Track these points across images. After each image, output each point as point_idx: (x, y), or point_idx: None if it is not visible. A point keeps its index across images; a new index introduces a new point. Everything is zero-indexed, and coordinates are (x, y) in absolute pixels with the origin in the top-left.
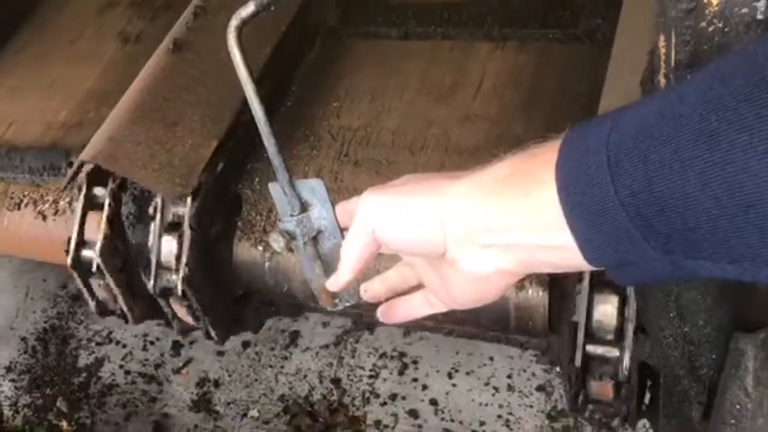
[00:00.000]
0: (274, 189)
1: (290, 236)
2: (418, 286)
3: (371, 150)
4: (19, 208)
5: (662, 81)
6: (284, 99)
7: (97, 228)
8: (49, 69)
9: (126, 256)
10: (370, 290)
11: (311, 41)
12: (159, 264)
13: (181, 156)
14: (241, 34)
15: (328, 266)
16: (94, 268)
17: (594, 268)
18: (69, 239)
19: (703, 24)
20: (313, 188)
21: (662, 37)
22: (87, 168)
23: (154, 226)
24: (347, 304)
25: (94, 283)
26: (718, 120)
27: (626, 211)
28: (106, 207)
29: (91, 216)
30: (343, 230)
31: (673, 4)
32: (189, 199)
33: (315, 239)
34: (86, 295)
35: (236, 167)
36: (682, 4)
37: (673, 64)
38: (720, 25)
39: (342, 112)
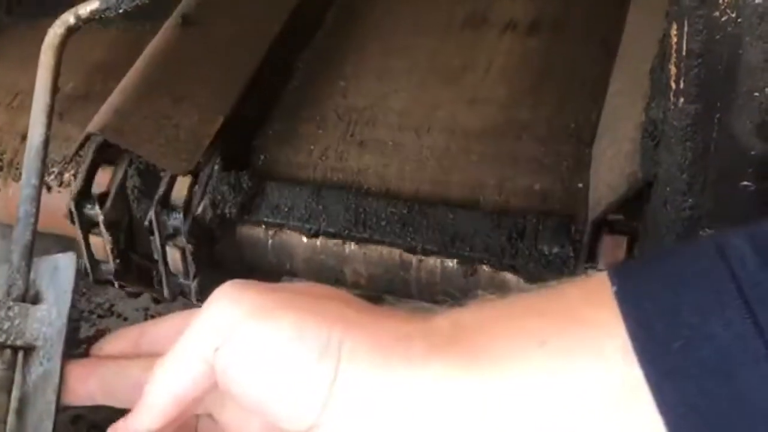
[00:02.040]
0: (1, 269)
1: None
2: None
3: (377, 131)
4: None
5: (673, 70)
6: (291, 77)
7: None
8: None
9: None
10: None
11: (321, 17)
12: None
13: (187, 131)
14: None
15: (22, 410)
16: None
17: None
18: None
19: (716, 14)
20: (56, 270)
21: (674, 26)
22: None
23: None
24: None
25: (93, 239)
26: None
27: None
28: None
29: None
30: (65, 354)
31: None
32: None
33: (17, 355)
34: (83, 248)
35: (242, 144)
36: None
37: (684, 53)
38: (733, 15)
39: (348, 92)
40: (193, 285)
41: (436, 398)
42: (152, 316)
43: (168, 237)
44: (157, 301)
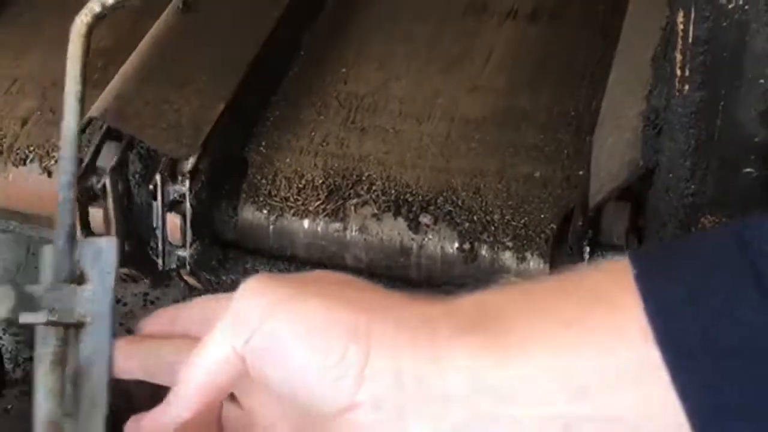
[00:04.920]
0: (47, 251)
1: (31, 304)
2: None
3: (378, 117)
4: (24, 164)
5: (678, 57)
6: (292, 63)
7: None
8: (54, 27)
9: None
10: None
11: (322, 3)
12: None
13: (188, 116)
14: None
15: (75, 383)
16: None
17: None
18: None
19: (723, 0)
20: (99, 252)
21: (681, 13)
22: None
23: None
24: None
25: (93, 210)
26: None
27: None
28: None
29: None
30: (113, 330)
31: None
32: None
33: (68, 331)
34: (79, 225)
35: (243, 130)
36: None
37: (690, 40)
38: (740, 2)
39: (350, 79)
40: (188, 254)
41: (463, 379)
42: (151, 302)
43: (171, 204)
44: (155, 284)
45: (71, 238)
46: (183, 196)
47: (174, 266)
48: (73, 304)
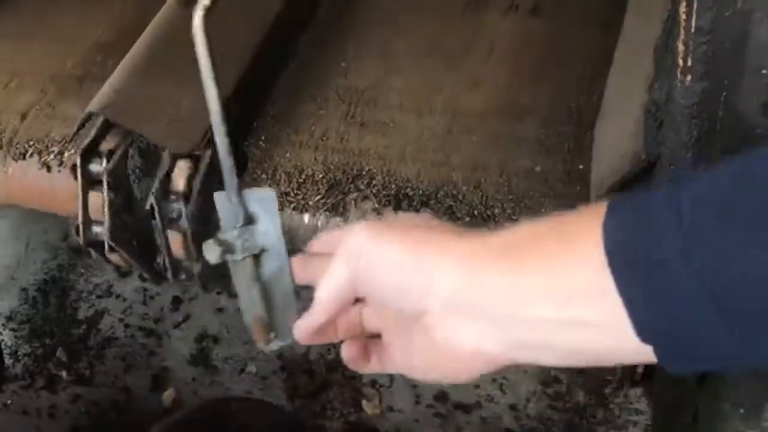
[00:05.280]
0: (219, 198)
1: (228, 248)
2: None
3: (378, 112)
4: (24, 158)
5: (680, 47)
6: (291, 58)
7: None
8: (54, 20)
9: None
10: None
11: None
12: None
13: (188, 111)
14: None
15: (268, 292)
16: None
17: (624, 357)
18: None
19: None
20: (263, 199)
21: (683, 3)
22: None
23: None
24: (282, 344)
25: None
26: None
27: (700, 287)
28: None
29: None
30: (289, 256)
31: None
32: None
33: (256, 258)
34: (80, 203)
35: (243, 124)
36: None
37: (693, 30)
38: None
39: (349, 72)
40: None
41: (497, 291)
42: (151, 297)
43: (170, 222)
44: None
45: (240, 193)
46: (180, 214)
47: (183, 277)
48: (254, 239)
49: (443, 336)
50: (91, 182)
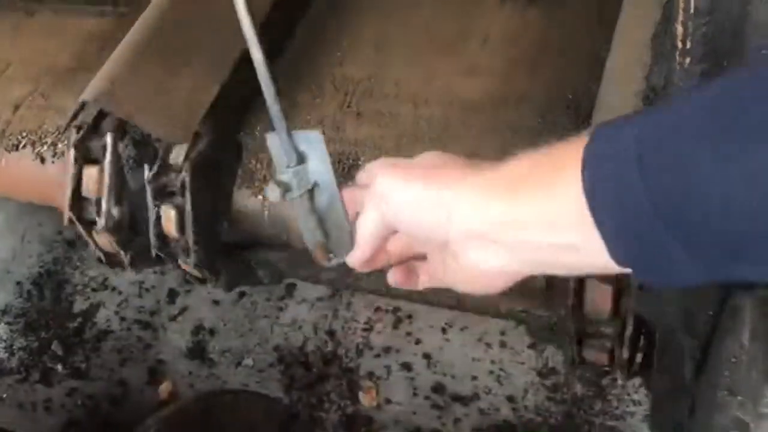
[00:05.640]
0: (272, 139)
1: (286, 188)
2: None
3: (374, 102)
4: (17, 150)
5: (679, 29)
6: (287, 47)
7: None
8: (47, 11)
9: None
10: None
11: None
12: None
13: (182, 100)
14: None
15: (324, 220)
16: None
17: (613, 272)
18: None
19: None
20: (310, 139)
21: None
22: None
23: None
24: (340, 261)
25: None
26: (762, 113)
27: (657, 211)
28: None
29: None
30: (341, 188)
31: None
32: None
33: (311, 192)
34: (71, 181)
35: (238, 114)
36: None
37: (692, 11)
38: None
39: (345, 62)
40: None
41: (498, 220)
42: (146, 290)
43: (165, 197)
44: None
45: (289, 135)
46: (175, 190)
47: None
48: (307, 177)
49: (467, 260)
50: (86, 161)
